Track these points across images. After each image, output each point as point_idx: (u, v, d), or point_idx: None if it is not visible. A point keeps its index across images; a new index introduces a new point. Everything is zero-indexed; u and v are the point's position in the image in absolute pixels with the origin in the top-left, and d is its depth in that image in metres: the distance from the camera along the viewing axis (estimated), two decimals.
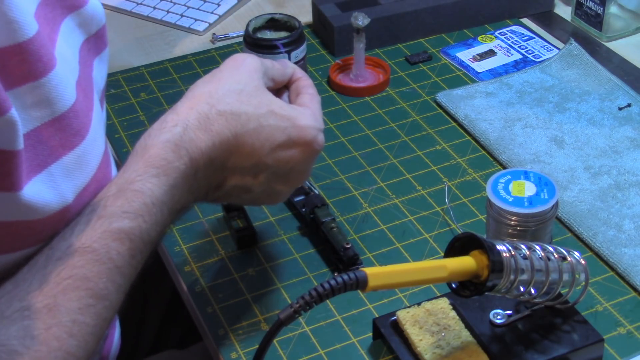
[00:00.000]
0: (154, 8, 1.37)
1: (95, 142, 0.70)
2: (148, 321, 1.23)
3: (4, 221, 0.63)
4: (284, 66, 0.82)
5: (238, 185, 0.75)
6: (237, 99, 0.74)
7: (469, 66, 1.22)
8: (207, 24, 1.33)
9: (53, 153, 0.66)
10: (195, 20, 1.34)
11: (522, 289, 0.76)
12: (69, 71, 0.69)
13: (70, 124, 0.67)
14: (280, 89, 0.82)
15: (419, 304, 0.82)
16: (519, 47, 1.25)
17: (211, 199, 0.76)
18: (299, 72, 0.83)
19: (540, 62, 1.21)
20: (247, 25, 1.15)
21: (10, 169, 0.61)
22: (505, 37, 1.27)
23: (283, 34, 1.16)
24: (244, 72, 0.76)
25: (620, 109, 1.11)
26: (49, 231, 0.66)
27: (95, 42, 0.77)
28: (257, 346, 0.68)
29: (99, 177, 0.70)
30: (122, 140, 1.11)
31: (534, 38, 1.26)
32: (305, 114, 0.77)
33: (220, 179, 0.74)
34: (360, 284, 0.67)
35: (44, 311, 0.61)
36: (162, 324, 1.22)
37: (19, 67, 0.63)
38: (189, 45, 1.30)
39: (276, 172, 0.76)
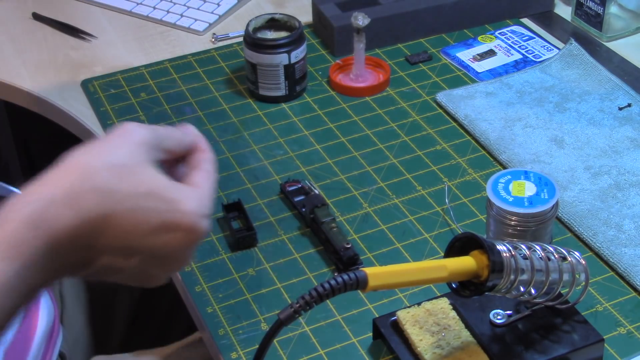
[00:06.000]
0: (154, 8, 1.37)
1: None
2: (149, 319, 1.23)
3: None
4: (185, 134, 0.74)
5: (108, 265, 0.68)
6: (114, 174, 0.66)
7: (469, 66, 1.22)
8: (207, 24, 1.33)
9: None
10: (195, 20, 1.34)
11: (522, 289, 0.76)
12: None
13: None
14: (179, 159, 0.74)
15: (419, 304, 0.82)
16: (519, 47, 1.25)
17: (79, 276, 0.70)
18: (201, 143, 0.74)
19: (540, 62, 1.21)
20: (247, 25, 1.15)
21: None
22: (505, 37, 1.27)
23: (283, 34, 1.16)
24: (128, 145, 0.68)
25: (620, 109, 1.11)
26: None
27: None
28: (257, 346, 0.68)
29: None
30: None
31: (534, 38, 1.26)
32: (190, 197, 0.69)
33: (87, 259, 0.67)
34: (360, 284, 0.67)
35: None
36: (163, 323, 1.23)
37: None
38: (189, 45, 1.30)
39: (151, 257, 0.68)
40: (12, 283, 0.61)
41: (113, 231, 0.65)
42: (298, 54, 1.14)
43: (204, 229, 0.69)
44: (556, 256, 0.77)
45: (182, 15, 1.35)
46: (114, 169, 0.66)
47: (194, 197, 0.69)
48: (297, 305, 0.66)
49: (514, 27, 1.29)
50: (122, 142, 0.68)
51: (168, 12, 1.36)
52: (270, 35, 1.17)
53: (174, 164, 0.74)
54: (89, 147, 0.68)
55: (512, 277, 0.73)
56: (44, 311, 0.93)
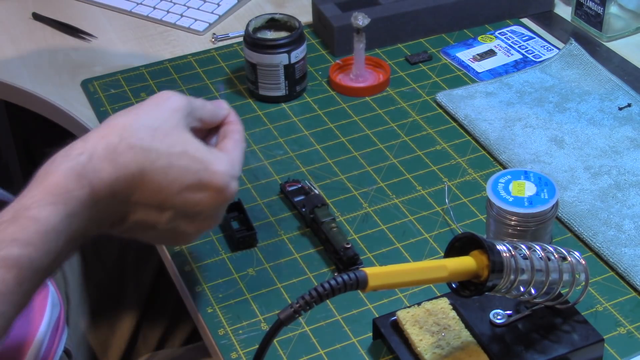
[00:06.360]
0: (154, 8, 1.37)
1: None
2: (154, 323, 1.23)
3: None
4: (218, 107, 0.80)
5: (142, 220, 0.73)
6: (151, 134, 0.72)
7: (469, 66, 1.22)
8: (207, 24, 1.33)
9: None
10: (195, 20, 1.34)
11: (522, 289, 0.76)
12: None
13: None
14: (212, 130, 0.80)
15: (419, 304, 0.82)
16: (519, 47, 1.25)
17: (116, 231, 0.74)
18: (232, 116, 0.81)
19: (540, 62, 1.21)
20: (247, 25, 1.15)
21: None
22: (505, 37, 1.27)
23: (283, 34, 1.16)
24: (164, 110, 0.74)
25: (620, 109, 1.11)
26: None
27: None
28: (257, 346, 0.68)
29: None
30: None
31: (534, 38, 1.26)
32: (221, 159, 0.75)
33: (123, 212, 0.72)
34: (360, 284, 0.67)
35: None
36: (168, 324, 1.22)
37: None
38: (189, 45, 1.30)
39: (183, 214, 0.74)
40: (58, 228, 0.66)
41: (148, 187, 0.71)
42: (298, 54, 1.14)
43: (233, 190, 0.75)
44: (556, 256, 0.77)
45: (182, 15, 1.35)
46: (150, 130, 0.72)
47: (225, 159, 0.75)
48: (297, 305, 0.66)
49: (514, 27, 1.29)
50: (159, 107, 0.74)
51: (168, 12, 1.36)
52: (270, 35, 1.17)
53: (206, 134, 0.80)
54: (128, 110, 0.74)
55: (512, 277, 0.73)
56: (50, 304, 0.94)
